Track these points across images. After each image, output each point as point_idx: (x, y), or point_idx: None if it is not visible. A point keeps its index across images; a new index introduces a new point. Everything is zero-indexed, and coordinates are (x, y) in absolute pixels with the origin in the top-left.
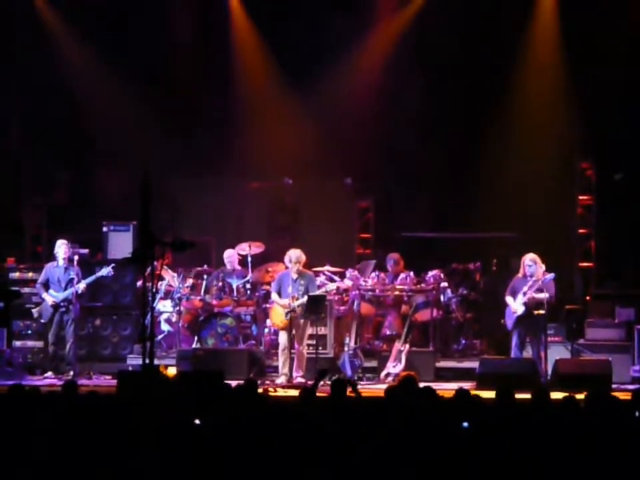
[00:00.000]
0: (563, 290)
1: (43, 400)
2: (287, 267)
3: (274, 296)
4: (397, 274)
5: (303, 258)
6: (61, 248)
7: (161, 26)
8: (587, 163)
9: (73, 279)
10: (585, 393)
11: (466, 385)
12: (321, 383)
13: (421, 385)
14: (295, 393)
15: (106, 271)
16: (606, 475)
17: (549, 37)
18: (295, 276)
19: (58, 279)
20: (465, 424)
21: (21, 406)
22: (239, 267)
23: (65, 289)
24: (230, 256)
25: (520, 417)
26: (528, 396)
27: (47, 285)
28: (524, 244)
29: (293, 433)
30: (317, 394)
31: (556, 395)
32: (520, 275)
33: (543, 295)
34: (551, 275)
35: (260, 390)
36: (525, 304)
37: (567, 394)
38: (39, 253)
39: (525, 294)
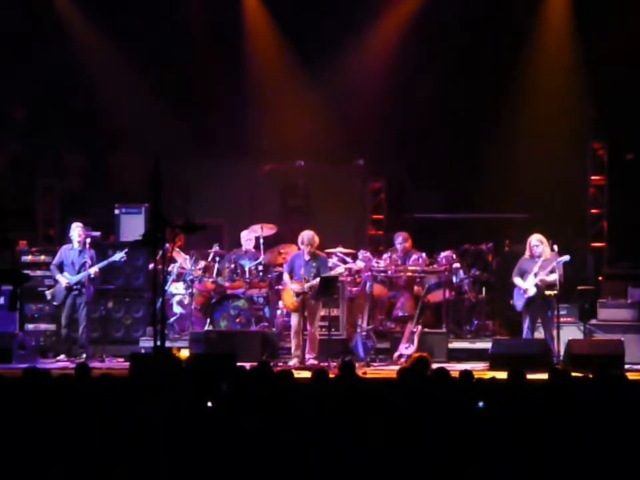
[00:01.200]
0: (575, 270)
1: (54, 383)
2: (299, 249)
3: (285, 277)
4: (407, 252)
5: (316, 240)
6: (75, 231)
7: (174, 10)
8: (599, 144)
9: (86, 262)
10: (593, 373)
11: (478, 366)
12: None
13: (434, 366)
14: (307, 374)
15: (119, 256)
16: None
17: (561, 18)
18: (307, 257)
19: (72, 261)
20: (481, 403)
21: (35, 389)
22: (252, 249)
23: (79, 271)
24: (247, 236)
25: (533, 398)
26: (540, 376)
27: (61, 267)
28: (536, 224)
29: (306, 414)
30: (330, 375)
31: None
32: (527, 255)
33: (555, 277)
34: (565, 257)
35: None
36: (537, 285)
37: (581, 374)
38: (51, 236)
39: (536, 275)
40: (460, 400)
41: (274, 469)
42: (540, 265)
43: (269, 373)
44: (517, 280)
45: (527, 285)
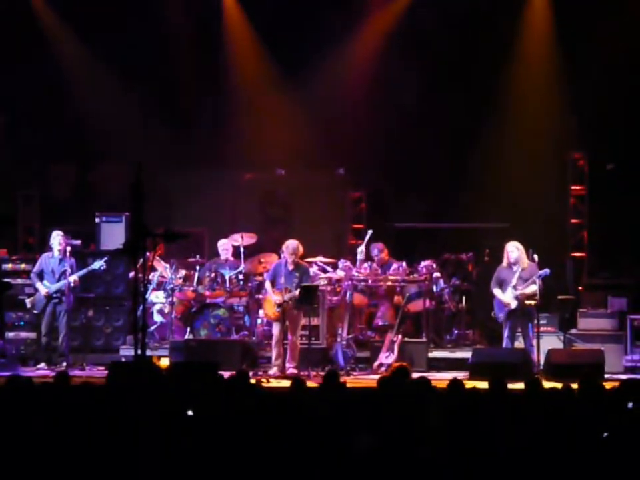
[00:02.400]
0: (555, 280)
1: (36, 391)
2: (280, 257)
3: (267, 285)
4: (384, 263)
5: (301, 250)
6: (56, 239)
7: (155, 20)
8: (579, 154)
9: (66, 270)
10: (578, 382)
11: (459, 375)
12: None
13: (414, 375)
14: (287, 383)
15: (99, 264)
16: (597, 465)
17: (541, 29)
18: (290, 267)
19: (52, 269)
20: None
21: (18, 397)
22: (231, 258)
23: (59, 280)
24: (224, 245)
25: (513, 407)
26: (520, 386)
27: (41, 275)
28: (516, 234)
29: (286, 423)
30: (309, 384)
31: (548, 385)
32: (504, 264)
33: (534, 288)
34: (545, 271)
35: (253, 380)
36: (517, 298)
37: (560, 384)
38: (31, 244)
39: (515, 287)
40: (447, 409)
41: (253, 476)
42: (518, 275)
43: (245, 383)
44: (496, 291)
45: (507, 299)
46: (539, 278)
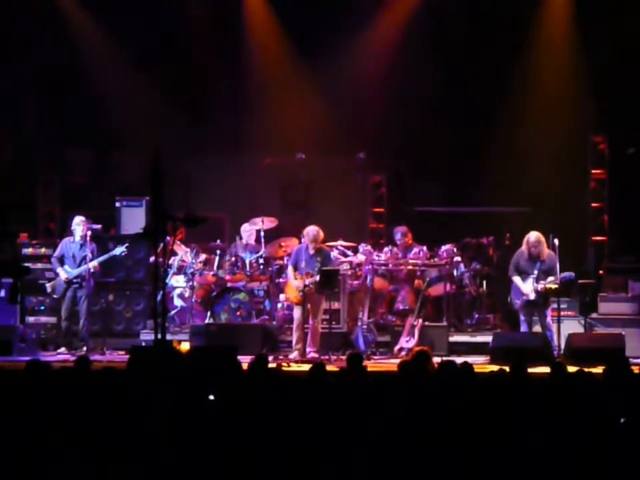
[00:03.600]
0: (575, 264)
1: (56, 376)
2: (300, 242)
3: (290, 270)
4: (407, 247)
5: (321, 235)
6: (79, 225)
7: (173, 3)
8: (600, 137)
9: (87, 255)
10: (602, 367)
11: (479, 359)
12: None
13: (435, 359)
14: (308, 367)
15: (119, 250)
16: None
17: (562, 12)
18: (311, 252)
19: (73, 254)
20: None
21: (38, 382)
22: (252, 242)
23: (79, 265)
24: (248, 230)
25: (535, 391)
26: (541, 370)
27: (61, 260)
28: (537, 218)
29: (305, 408)
30: (328, 368)
31: (570, 369)
32: (525, 252)
33: (553, 279)
34: (569, 274)
35: (273, 365)
36: (536, 291)
37: (582, 368)
38: (51, 229)
39: (536, 281)
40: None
41: (274, 462)
42: (539, 268)
43: (265, 368)
44: (516, 279)
45: (527, 289)
46: (563, 279)
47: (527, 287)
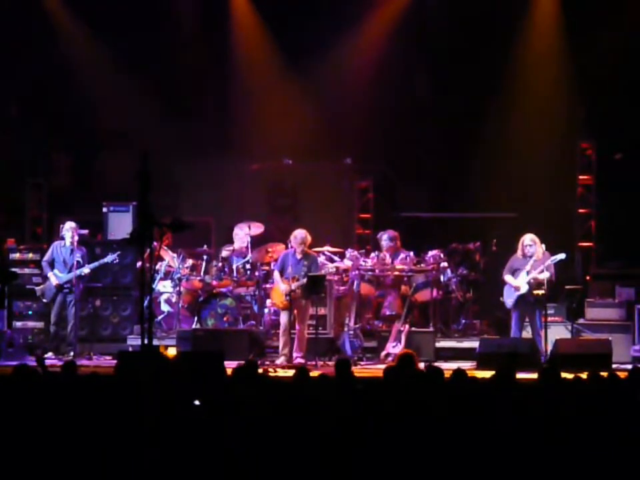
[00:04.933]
0: (563, 269)
1: (43, 380)
2: (287, 247)
3: (276, 275)
4: (394, 252)
5: (309, 239)
6: (69, 232)
7: (161, 7)
8: (587, 143)
9: (78, 261)
10: (587, 372)
11: (466, 365)
12: None
13: (422, 365)
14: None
15: (111, 258)
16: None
17: (550, 18)
18: (299, 256)
19: (64, 259)
20: None
21: (25, 386)
22: (243, 248)
23: (70, 270)
24: (241, 235)
25: (522, 397)
26: (528, 375)
27: (52, 264)
28: (524, 224)
29: (292, 413)
30: (311, 373)
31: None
32: (519, 255)
33: (545, 275)
34: (561, 255)
35: (260, 370)
36: (529, 283)
37: (568, 374)
38: (38, 234)
39: (528, 272)
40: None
41: (260, 467)
42: (532, 263)
43: (253, 374)
44: (507, 277)
45: (518, 283)
46: (552, 262)
47: (519, 281)
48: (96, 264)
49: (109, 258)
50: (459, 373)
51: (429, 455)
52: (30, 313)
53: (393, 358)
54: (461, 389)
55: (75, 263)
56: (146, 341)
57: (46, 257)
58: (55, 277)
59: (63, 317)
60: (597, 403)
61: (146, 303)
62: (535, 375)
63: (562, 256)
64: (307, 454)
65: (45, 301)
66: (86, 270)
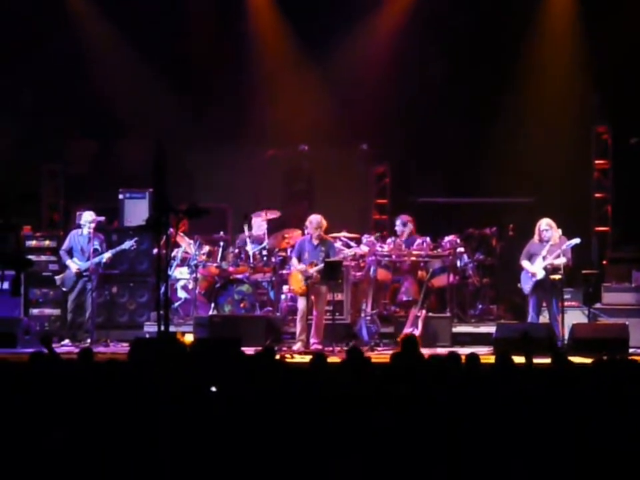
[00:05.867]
0: (579, 254)
1: (60, 367)
2: (303, 233)
3: (294, 261)
4: (409, 237)
5: (324, 224)
6: (88, 220)
7: None
8: (603, 127)
9: (97, 249)
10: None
11: (482, 350)
12: None
13: (438, 350)
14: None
15: (129, 244)
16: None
17: (566, 3)
18: (315, 242)
19: (81, 247)
20: None
21: (42, 374)
22: (260, 234)
23: (89, 258)
24: (260, 222)
25: (540, 381)
26: (545, 360)
27: (70, 253)
28: (540, 209)
29: (308, 399)
30: (329, 360)
31: (574, 360)
32: (535, 239)
33: (561, 260)
34: (575, 240)
35: (277, 356)
36: (545, 269)
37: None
38: (55, 221)
39: (544, 258)
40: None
41: (278, 454)
42: (548, 248)
43: (271, 360)
44: (524, 263)
45: (534, 269)
46: (568, 247)
47: (535, 267)
48: (115, 250)
49: (127, 244)
50: (472, 357)
51: (438, 441)
52: (46, 300)
53: None
54: (473, 373)
55: (92, 250)
56: (162, 328)
57: (64, 246)
58: (75, 265)
59: (81, 304)
60: (614, 388)
61: (162, 289)
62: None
63: (577, 240)
64: (324, 440)
65: (64, 289)
66: (108, 255)
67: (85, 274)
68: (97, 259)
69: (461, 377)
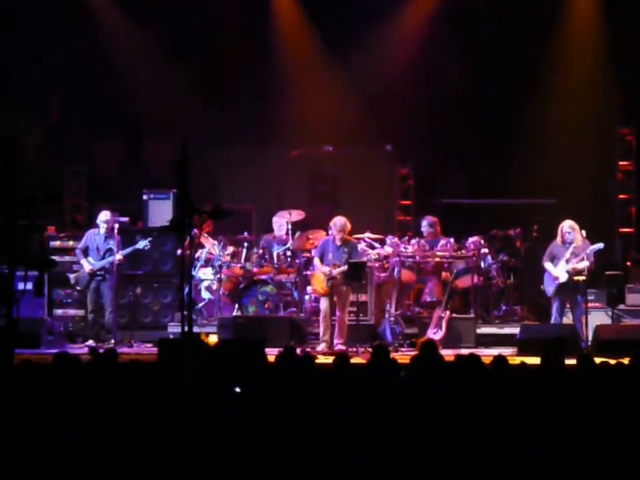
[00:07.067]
0: (603, 255)
1: (84, 368)
2: (327, 234)
3: (316, 261)
4: (434, 238)
5: (348, 226)
6: (102, 220)
7: None
8: (627, 129)
9: (111, 248)
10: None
11: (506, 351)
12: None
13: (462, 351)
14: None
15: (143, 244)
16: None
17: (589, 3)
18: (338, 243)
19: (97, 247)
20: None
21: (66, 374)
22: (282, 235)
23: (103, 257)
24: (279, 222)
25: (564, 382)
26: (569, 362)
27: (85, 252)
28: (564, 210)
29: (330, 400)
30: (353, 360)
31: (597, 361)
32: (558, 241)
33: (584, 264)
34: (599, 245)
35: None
36: (568, 272)
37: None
38: (79, 221)
39: (567, 261)
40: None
41: (300, 453)
42: (571, 251)
43: (293, 359)
44: (547, 265)
45: (557, 272)
46: (592, 252)
47: (558, 270)
48: (128, 250)
49: (141, 244)
50: (500, 359)
51: (467, 441)
52: (70, 300)
53: None
54: (502, 375)
55: (109, 249)
56: (186, 329)
57: (80, 245)
58: (88, 264)
59: (100, 304)
60: (638, 389)
61: (186, 290)
62: (574, 362)
63: (600, 245)
64: (346, 440)
65: (78, 288)
66: (118, 256)
67: (98, 273)
68: (109, 259)
69: (486, 378)
